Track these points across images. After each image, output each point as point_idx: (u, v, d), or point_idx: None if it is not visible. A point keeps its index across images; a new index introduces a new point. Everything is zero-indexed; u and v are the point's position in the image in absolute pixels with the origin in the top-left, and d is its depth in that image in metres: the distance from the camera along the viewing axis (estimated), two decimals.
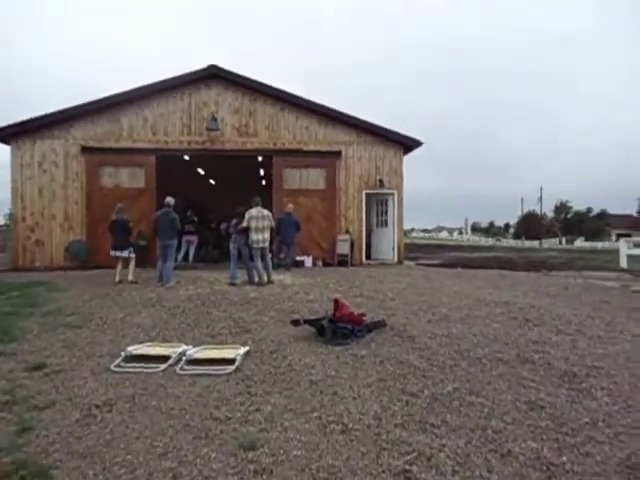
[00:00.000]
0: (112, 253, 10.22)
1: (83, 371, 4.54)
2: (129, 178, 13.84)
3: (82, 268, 13.10)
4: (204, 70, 13.72)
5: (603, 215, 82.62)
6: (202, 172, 19.68)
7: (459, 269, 14.18)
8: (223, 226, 15.83)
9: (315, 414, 3.43)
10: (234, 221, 9.74)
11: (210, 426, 3.27)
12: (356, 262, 14.19)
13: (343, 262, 13.94)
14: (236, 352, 4.77)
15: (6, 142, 13.56)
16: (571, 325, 6.00)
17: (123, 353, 4.80)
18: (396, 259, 14.65)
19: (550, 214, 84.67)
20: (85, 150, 13.62)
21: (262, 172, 19.77)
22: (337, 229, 14.31)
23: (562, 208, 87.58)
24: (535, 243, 64.81)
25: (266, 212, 9.83)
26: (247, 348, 4.97)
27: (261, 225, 9.62)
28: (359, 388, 3.95)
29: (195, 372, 4.41)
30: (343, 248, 13.99)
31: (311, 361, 4.69)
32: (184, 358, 4.66)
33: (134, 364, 4.64)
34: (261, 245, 9.66)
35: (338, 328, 5.32)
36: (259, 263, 9.67)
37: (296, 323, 5.69)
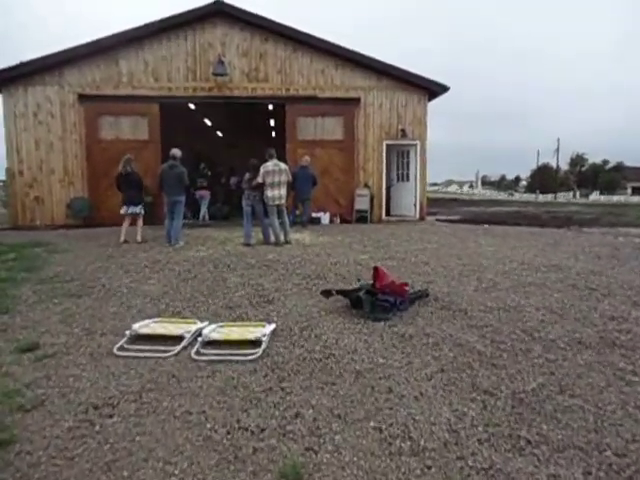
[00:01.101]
0: (123, 210, 9.36)
1: (81, 355, 3.82)
2: (131, 129, 12.81)
3: (85, 226, 12.37)
4: (209, 6, 12.35)
5: (619, 168, 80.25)
6: (208, 123, 18.50)
7: (485, 226, 13.26)
8: (233, 180, 14.97)
9: (372, 423, 2.68)
10: (247, 175, 8.82)
11: (239, 441, 2.54)
12: (375, 218, 13.32)
13: (362, 218, 13.08)
14: (261, 331, 4.01)
15: None
16: None
17: (128, 332, 4.06)
18: (418, 215, 13.74)
19: (564, 167, 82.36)
20: (82, 98, 12.54)
21: (273, 122, 18.55)
22: (355, 183, 13.33)
23: (578, 160, 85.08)
24: (549, 197, 63.29)
25: (283, 166, 8.88)
26: (273, 326, 4.20)
27: (277, 180, 8.70)
28: (418, 383, 3.18)
29: (214, 358, 3.66)
30: (362, 203, 13.07)
31: (351, 342, 3.93)
32: (200, 339, 3.91)
33: (141, 346, 3.90)
34: (277, 202, 8.79)
35: (378, 301, 4.52)
36: (276, 221, 8.83)
37: (327, 294, 4.91)
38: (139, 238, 9.32)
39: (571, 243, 9.30)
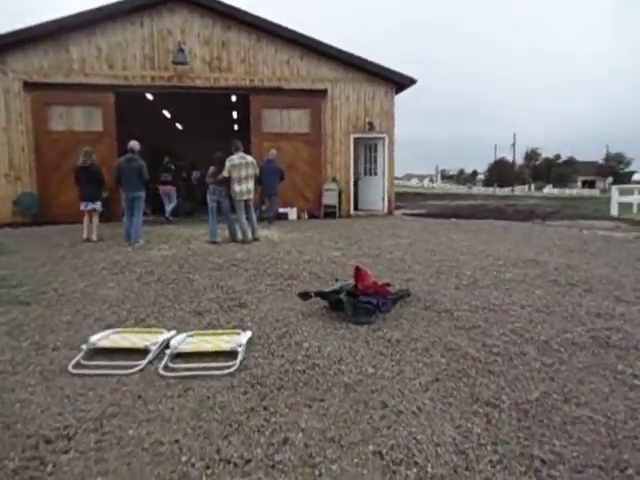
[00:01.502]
0: (83, 206, 8.77)
1: (30, 374, 3.34)
2: (84, 120, 12.00)
3: (34, 224, 11.52)
4: None
5: (570, 162, 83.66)
6: (167, 114, 17.70)
7: (454, 220, 13.28)
8: (195, 175, 14.38)
9: (370, 447, 2.39)
10: (212, 169, 8.35)
11: (221, 477, 2.19)
12: (344, 213, 13.09)
13: (330, 214, 12.81)
14: (236, 340, 3.65)
15: None
16: (626, 290, 5.12)
17: (84, 346, 3.60)
18: (386, 210, 13.61)
19: (520, 161, 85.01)
20: (29, 86, 11.62)
21: (235, 114, 17.96)
22: (323, 177, 13.04)
23: (532, 155, 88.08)
24: (506, 190, 65.06)
25: (250, 158, 8.47)
26: (249, 333, 3.85)
27: (244, 174, 8.28)
28: (414, 395, 2.92)
29: (185, 374, 3.28)
30: (330, 198, 12.80)
31: (335, 350, 3.63)
32: (168, 351, 3.51)
33: (100, 362, 3.46)
34: (245, 197, 8.38)
35: (360, 303, 4.24)
36: (243, 217, 8.42)
37: (305, 296, 4.59)
38: (94, 237, 8.73)
39: (541, 237, 9.35)
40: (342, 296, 4.30)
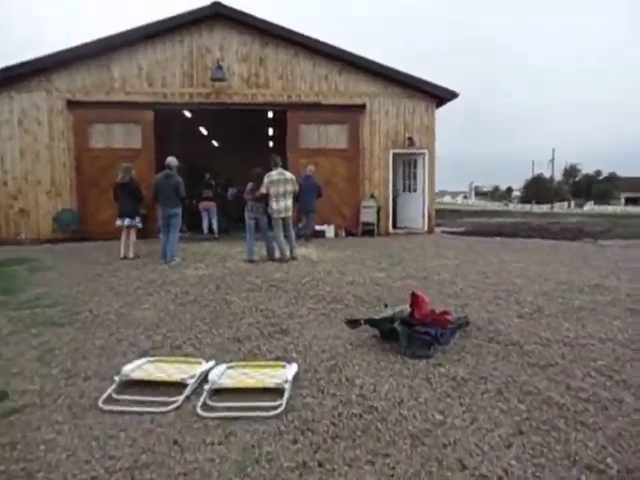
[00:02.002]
0: (118, 222, 8.69)
1: (58, 409, 3.04)
2: (123, 137, 12.08)
3: (72, 240, 11.58)
4: (206, 8, 11.73)
5: (612, 178, 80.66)
6: (204, 131, 17.79)
7: (498, 239, 12.62)
8: (231, 192, 14.21)
9: None
10: (250, 185, 8.11)
11: None
12: (382, 231, 12.64)
13: (368, 231, 12.39)
14: (282, 375, 3.26)
15: None
16: None
17: (117, 377, 3.29)
18: (426, 228, 13.08)
19: (558, 178, 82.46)
20: (71, 105, 11.81)
21: (271, 131, 17.89)
22: (361, 194, 12.67)
23: (571, 171, 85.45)
24: (545, 207, 62.97)
25: (289, 175, 8.19)
26: (295, 367, 3.45)
27: (283, 190, 7.99)
28: (495, 452, 2.45)
29: (226, 414, 2.90)
30: (368, 215, 12.39)
31: (393, 389, 3.19)
32: (206, 386, 3.16)
33: (133, 396, 3.14)
34: (283, 215, 8.08)
35: (417, 333, 3.80)
36: (281, 235, 8.11)
37: (354, 324, 4.18)
38: (131, 254, 8.60)
39: (598, 258, 8.65)
40: (396, 325, 3.87)
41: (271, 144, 20.72)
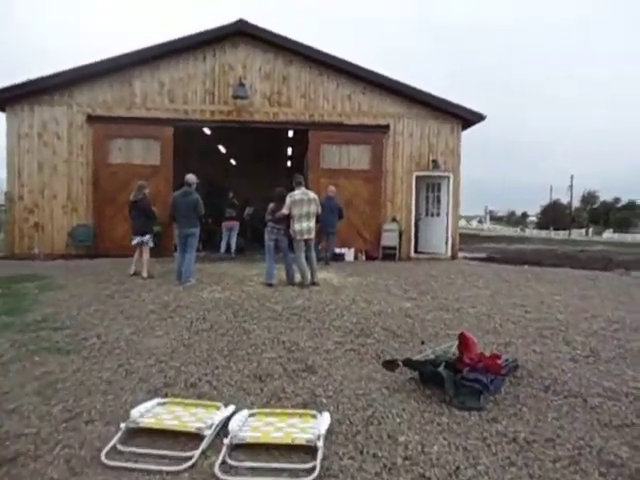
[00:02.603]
0: (134, 240, 8.57)
1: (54, 461, 2.61)
2: (143, 153, 11.89)
3: (87, 256, 11.31)
4: (230, 26, 11.61)
5: (631, 206, 79.21)
6: (223, 149, 17.63)
7: (525, 266, 12.05)
8: (248, 211, 13.94)
9: None
10: (271, 205, 7.75)
11: None
12: (403, 256, 12.16)
13: (389, 255, 11.92)
14: (313, 429, 2.79)
15: (1, 109, 11.68)
16: None
17: (123, 425, 2.86)
18: (449, 253, 12.57)
19: (575, 204, 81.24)
20: (92, 119, 11.68)
21: (290, 151, 17.68)
22: (382, 217, 12.25)
23: (589, 198, 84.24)
24: (561, 233, 61.79)
25: (312, 195, 7.82)
26: (327, 418, 2.98)
27: (306, 211, 7.62)
28: None
29: (249, 479, 2.45)
30: (390, 239, 11.94)
31: (444, 451, 2.70)
32: (226, 440, 2.70)
33: (141, 449, 2.70)
34: (305, 236, 7.68)
35: (465, 380, 3.31)
36: (302, 258, 7.70)
37: (391, 365, 3.71)
38: (145, 273, 8.27)
39: None
40: (441, 370, 3.39)
41: (289, 164, 20.55)
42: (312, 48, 11.81)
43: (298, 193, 7.63)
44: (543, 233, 61.88)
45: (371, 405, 3.31)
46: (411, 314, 5.89)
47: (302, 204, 7.59)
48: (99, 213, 11.71)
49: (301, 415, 3.05)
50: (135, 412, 2.97)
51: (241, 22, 11.53)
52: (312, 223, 7.74)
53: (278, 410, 3.15)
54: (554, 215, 73.50)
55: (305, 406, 3.32)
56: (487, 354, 3.60)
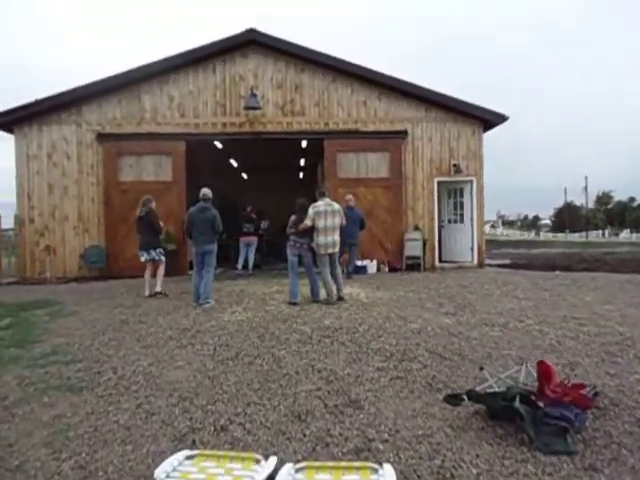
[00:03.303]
0: (141, 257, 8.21)
1: None
2: (154, 169, 11.54)
3: (100, 278, 10.93)
4: (241, 35, 11.28)
5: None
6: (234, 162, 17.27)
7: (557, 272, 11.42)
8: (263, 225, 13.51)
9: None
10: (293, 218, 7.28)
11: None
12: (428, 266, 11.60)
13: (413, 266, 11.37)
14: None
15: (9, 130, 11.44)
16: None
17: None
18: (475, 261, 11.98)
19: (590, 205, 79.83)
20: (101, 137, 11.38)
21: (303, 162, 17.27)
22: (404, 226, 11.73)
23: (604, 199, 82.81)
24: (576, 235, 60.56)
25: (336, 206, 7.34)
26: (391, 473, 2.45)
27: (331, 223, 7.13)
28: None
29: None
30: (414, 249, 11.40)
31: None
32: None
33: None
34: (330, 250, 7.19)
35: (548, 418, 2.77)
36: (328, 274, 7.20)
37: (454, 400, 3.18)
38: (159, 288, 7.92)
39: None
40: (517, 405, 2.85)
41: (302, 175, 20.14)
42: (324, 54, 11.43)
43: (322, 204, 7.16)
44: (559, 236, 60.71)
45: (438, 451, 2.78)
46: (454, 332, 5.34)
47: (326, 216, 7.11)
48: (111, 233, 11.34)
49: (358, 469, 2.53)
50: (160, 472, 2.48)
51: (252, 31, 11.19)
52: (337, 236, 7.24)
53: (330, 463, 2.63)
54: (571, 217, 72.17)
55: (358, 454, 2.80)
56: (569, 384, 3.05)
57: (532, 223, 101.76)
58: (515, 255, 20.70)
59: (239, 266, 11.30)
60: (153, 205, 8.30)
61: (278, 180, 19.31)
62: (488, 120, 11.83)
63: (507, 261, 16.47)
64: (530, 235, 71.01)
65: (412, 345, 4.89)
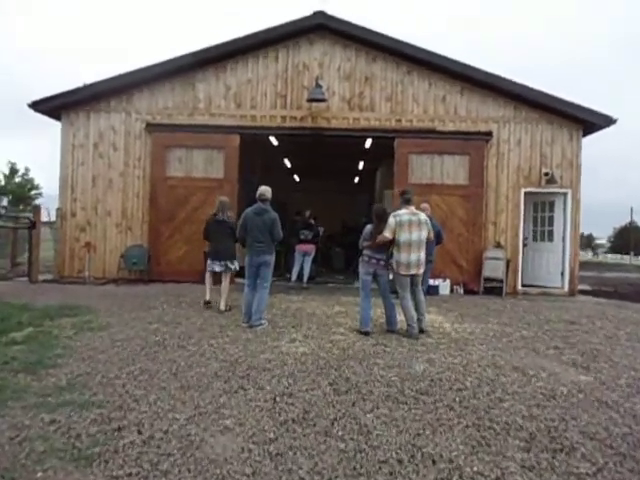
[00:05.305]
0: (210, 267, 7.09)
1: None
2: (204, 164, 10.47)
3: (140, 281, 9.96)
4: (307, 19, 10.06)
5: None
6: (287, 161, 16.08)
7: None
8: (321, 231, 12.23)
9: None
10: (368, 228, 5.91)
11: None
12: (509, 289, 9.93)
13: (493, 289, 9.74)
14: None
15: (56, 117, 10.70)
16: None
17: None
18: (566, 288, 10.20)
19: None
20: (150, 127, 10.43)
21: (361, 165, 15.89)
22: (483, 242, 10.12)
23: None
24: None
25: (423, 217, 5.91)
26: None
27: (416, 237, 5.72)
28: None
29: None
30: (494, 269, 9.76)
31: None
32: None
33: None
34: (413, 271, 5.76)
35: None
36: (409, 300, 5.77)
37: None
38: (222, 306, 6.79)
39: None
40: None
41: (358, 180, 18.79)
42: (400, 41, 10.01)
43: (405, 213, 5.76)
44: (626, 258, 56.27)
45: None
46: (606, 400, 3.81)
47: (411, 227, 5.69)
48: (154, 233, 10.35)
49: None
50: None
51: (321, 14, 9.94)
52: (422, 254, 5.80)
53: None
54: (635, 238, 67.15)
55: None
56: None
57: (586, 242, 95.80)
58: (590, 279, 18.47)
59: (293, 277, 10.05)
60: (231, 212, 7.46)
61: (331, 184, 18.03)
62: (590, 122, 10.05)
63: (587, 286, 14.43)
64: (587, 255, 66.65)
65: (555, 420, 3.40)
